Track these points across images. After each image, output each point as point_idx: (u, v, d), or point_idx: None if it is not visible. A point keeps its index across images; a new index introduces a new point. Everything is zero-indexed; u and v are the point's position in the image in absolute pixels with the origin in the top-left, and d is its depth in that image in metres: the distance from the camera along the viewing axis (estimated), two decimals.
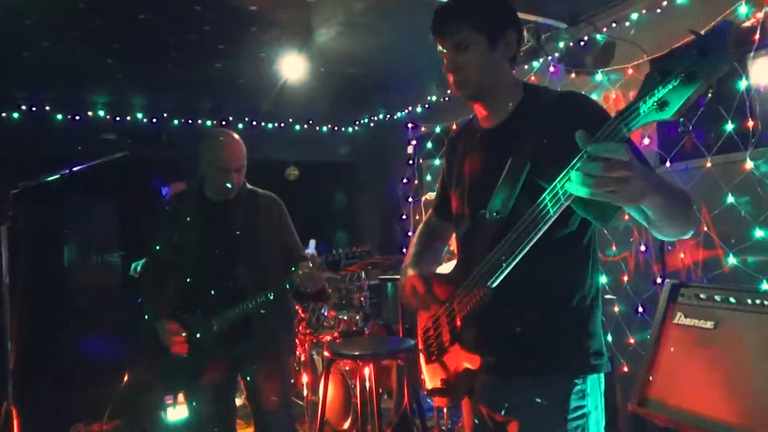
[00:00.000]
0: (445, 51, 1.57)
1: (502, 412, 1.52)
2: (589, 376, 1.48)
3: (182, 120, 5.81)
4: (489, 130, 1.63)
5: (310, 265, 2.56)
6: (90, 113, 5.35)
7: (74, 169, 2.10)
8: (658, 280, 3.33)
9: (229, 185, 2.66)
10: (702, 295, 2.40)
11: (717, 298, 2.34)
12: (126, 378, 4.35)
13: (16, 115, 5.06)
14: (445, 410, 3.64)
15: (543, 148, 1.45)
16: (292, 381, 4.65)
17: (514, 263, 1.38)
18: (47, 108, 5.16)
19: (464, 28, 1.51)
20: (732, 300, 2.28)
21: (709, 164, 3.07)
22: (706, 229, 3.13)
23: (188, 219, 2.73)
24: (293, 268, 2.57)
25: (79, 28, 3.65)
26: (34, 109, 5.09)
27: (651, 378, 2.42)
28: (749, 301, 2.24)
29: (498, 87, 1.59)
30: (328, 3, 3.47)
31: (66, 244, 5.68)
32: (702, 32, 1.03)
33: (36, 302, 4.45)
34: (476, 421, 1.64)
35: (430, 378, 1.75)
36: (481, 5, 1.55)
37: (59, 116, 5.23)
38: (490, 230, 1.50)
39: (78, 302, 5.44)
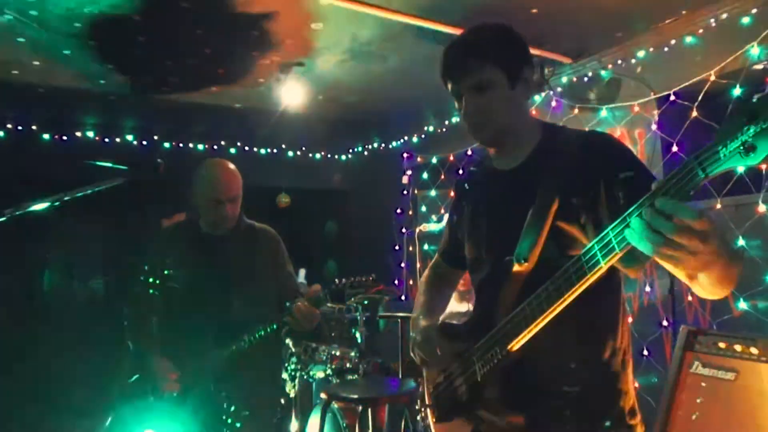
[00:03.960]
0: (460, 92, 1.47)
1: None
2: None
3: (173, 143, 5.69)
4: (508, 171, 1.54)
5: (306, 302, 2.46)
6: (78, 134, 5.22)
7: (65, 199, 1.96)
8: (665, 323, 3.25)
9: (222, 217, 2.56)
10: (721, 344, 2.31)
11: (737, 347, 2.25)
12: (110, 419, 4.15)
13: (1, 134, 4.91)
14: None
15: (569, 191, 1.36)
16: (282, 417, 4.49)
17: (551, 316, 1.28)
18: (34, 127, 5.03)
19: (485, 66, 1.43)
20: (754, 350, 2.20)
21: (719, 206, 3.02)
22: None
23: (181, 252, 2.65)
24: (288, 305, 2.47)
25: (73, 48, 3.56)
26: (20, 128, 4.96)
27: (670, 427, 2.31)
28: None
29: (518, 127, 1.50)
30: (333, 30, 3.43)
31: (47, 268, 5.48)
32: None
33: (9, 331, 4.26)
34: None
35: None
36: (500, 42, 1.47)
37: (46, 136, 5.09)
38: (517, 279, 1.40)
39: (57, 330, 5.23)
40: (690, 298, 3.20)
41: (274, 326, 2.49)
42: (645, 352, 3.33)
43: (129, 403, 3.32)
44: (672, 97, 3.26)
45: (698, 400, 2.29)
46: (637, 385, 3.28)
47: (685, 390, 2.36)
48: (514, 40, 1.49)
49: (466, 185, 1.73)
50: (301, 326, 2.50)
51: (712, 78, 3.00)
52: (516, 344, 1.34)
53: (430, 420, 1.67)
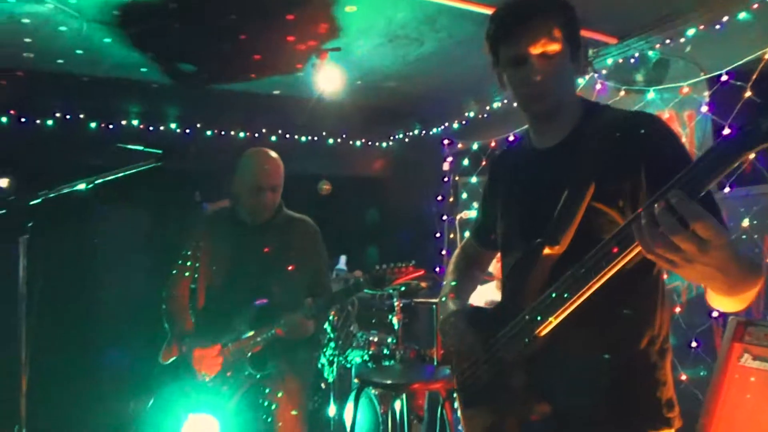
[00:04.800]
0: (520, 57, 1.37)
1: None
2: (662, 429, 1.32)
3: (215, 131, 5.78)
4: (546, 150, 1.48)
5: (300, 315, 2.49)
6: (123, 122, 5.35)
7: (97, 180, 2.01)
8: (714, 314, 3.11)
9: (263, 205, 2.59)
10: None
11: None
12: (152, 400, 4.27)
13: (50, 122, 5.07)
14: None
15: (608, 171, 1.29)
16: (319, 401, 4.53)
17: (579, 301, 1.21)
18: (81, 116, 5.17)
19: (554, 33, 1.34)
20: None
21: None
22: None
23: (218, 239, 2.71)
24: (281, 320, 2.51)
25: (114, 36, 3.63)
26: (68, 117, 5.10)
27: (714, 424, 2.22)
28: None
29: (566, 103, 1.43)
30: (369, 13, 3.39)
31: (95, 253, 5.66)
32: None
33: (58, 315, 4.40)
34: None
35: (468, 425, 1.59)
36: (568, 11, 1.40)
37: (93, 124, 5.23)
38: (546, 262, 1.34)
39: (104, 313, 5.40)
40: None
41: (272, 332, 2.53)
42: (694, 344, 3.20)
43: (169, 385, 3.40)
44: (724, 77, 3.10)
45: (747, 396, 2.19)
46: (684, 377, 3.17)
47: (733, 384, 2.25)
48: (574, 12, 1.42)
49: (501, 164, 1.68)
50: (290, 336, 2.53)
51: None
52: (543, 330, 1.28)
53: (459, 405, 1.64)
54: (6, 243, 1.90)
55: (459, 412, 1.64)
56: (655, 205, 0.94)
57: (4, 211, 1.88)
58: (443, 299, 1.71)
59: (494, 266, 2.67)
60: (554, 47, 1.34)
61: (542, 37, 1.34)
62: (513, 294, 1.44)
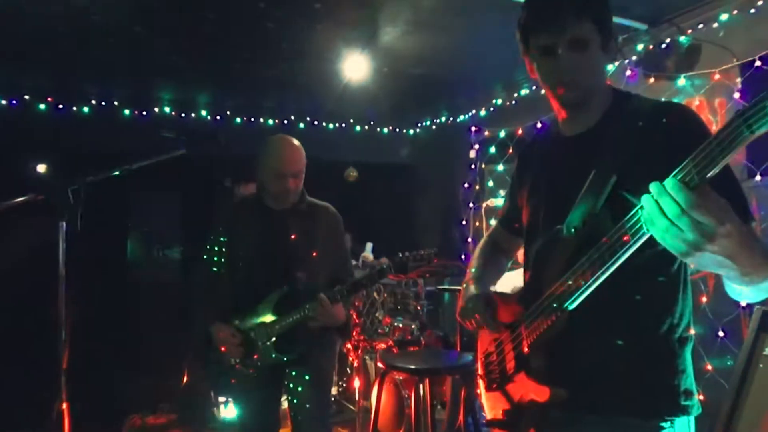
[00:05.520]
0: (551, 47, 1.37)
1: None
2: (677, 419, 1.32)
3: (244, 118, 5.86)
4: (573, 137, 1.49)
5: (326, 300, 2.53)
6: (156, 109, 5.46)
7: (131, 167, 2.08)
8: (743, 303, 3.07)
9: (285, 190, 2.64)
10: None
11: None
12: (186, 377, 4.40)
13: (86, 109, 5.20)
14: None
15: (633, 160, 1.30)
16: (345, 386, 4.60)
17: (595, 285, 1.23)
18: (116, 103, 5.29)
19: (586, 23, 1.34)
20: None
21: None
22: None
23: (245, 225, 2.75)
24: (307, 306, 2.56)
25: (145, 27, 3.70)
26: (103, 103, 5.23)
27: (737, 414, 2.21)
28: None
29: (596, 92, 1.44)
30: (396, 0, 3.39)
31: (129, 238, 5.82)
32: None
33: (96, 295, 4.55)
34: None
35: (490, 407, 1.61)
36: (600, 1, 1.39)
37: (126, 111, 5.35)
38: (567, 247, 1.35)
39: (138, 295, 5.56)
40: None
41: (299, 315, 2.59)
42: (720, 333, 3.17)
43: (201, 367, 3.49)
44: (758, 63, 3.05)
45: None
46: (710, 367, 3.15)
47: (758, 373, 2.24)
48: (607, 2, 1.41)
49: (529, 153, 1.69)
50: (322, 321, 2.58)
51: None
52: (561, 314, 1.30)
53: (482, 389, 1.67)
54: (47, 227, 1.97)
55: (482, 396, 1.67)
56: (657, 189, 0.97)
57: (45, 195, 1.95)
58: (465, 285, 1.73)
59: (521, 253, 2.69)
60: (585, 38, 1.34)
61: (574, 27, 1.33)
62: (535, 279, 1.46)
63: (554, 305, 1.31)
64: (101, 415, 4.10)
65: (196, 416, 4.39)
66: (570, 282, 1.27)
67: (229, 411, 4.24)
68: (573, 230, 1.34)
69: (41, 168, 5.22)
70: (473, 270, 1.76)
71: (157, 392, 4.67)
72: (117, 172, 2.09)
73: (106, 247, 5.25)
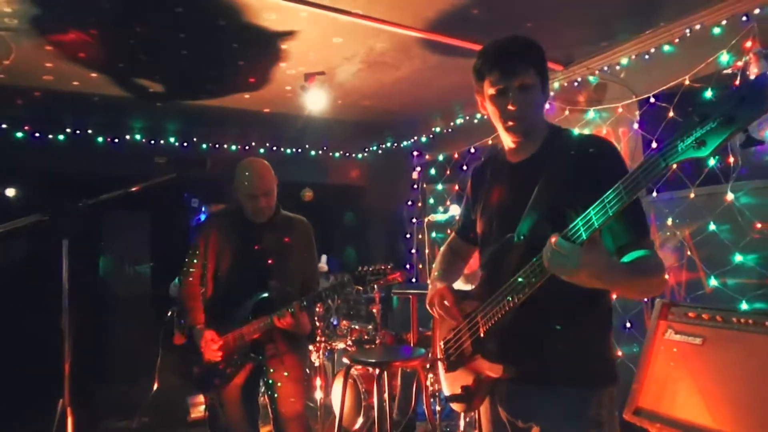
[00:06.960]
0: (505, 88, 1.54)
1: (524, 419, 1.52)
2: (607, 387, 1.49)
3: (210, 144, 5.85)
4: (517, 163, 1.65)
5: (291, 310, 2.56)
6: (128, 137, 5.39)
7: (129, 190, 2.13)
8: (645, 299, 3.34)
9: (259, 209, 2.70)
10: (690, 314, 2.42)
11: (704, 316, 2.36)
12: (156, 384, 4.33)
13: (62, 137, 5.09)
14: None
15: (567, 181, 1.48)
16: (309, 379, 4.63)
17: (539, 282, 1.39)
18: (90, 131, 5.20)
19: (531, 71, 1.53)
20: (718, 319, 2.31)
21: (692, 195, 3.11)
22: (689, 253, 3.15)
23: (228, 235, 2.77)
24: (276, 312, 2.58)
25: (126, 62, 3.70)
26: (78, 132, 5.13)
27: (644, 389, 2.43)
28: (733, 320, 2.27)
29: (537, 125, 1.62)
30: (352, 43, 3.53)
31: (102, 255, 5.68)
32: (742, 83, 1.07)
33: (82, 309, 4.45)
34: (495, 428, 1.64)
35: (449, 385, 1.75)
36: (540, 54, 1.58)
37: (100, 139, 5.26)
38: (516, 252, 1.51)
39: (111, 309, 5.44)
40: (667, 276, 3.28)
41: (269, 321, 2.59)
42: (628, 324, 3.42)
43: (176, 370, 3.45)
44: (652, 100, 3.34)
45: (671, 364, 2.40)
46: (620, 354, 3.40)
47: (660, 354, 2.47)
48: (544, 53, 1.60)
49: (480, 174, 1.83)
50: (293, 328, 2.60)
51: (687, 82, 3.09)
52: (512, 306, 1.46)
53: (441, 371, 1.79)
54: (48, 245, 1.98)
55: (441, 376, 1.80)
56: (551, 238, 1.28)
57: (47, 218, 1.97)
58: (431, 282, 1.86)
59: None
60: (530, 82, 1.54)
61: (522, 74, 1.52)
62: (490, 278, 1.61)
63: (508, 298, 1.47)
64: (76, 422, 3.99)
65: (171, 419, 4.32)
66: (520, 279, 1.43)
67: (199, 412, 4.19)
68: (522, 237, 1.50)
69: (9, 192, 5.07)
70: (437, 272, 1.89)
71: (127, 399, 4.57)
72: (114, 195, 2.13)
73: (83, 264, 5.12)
